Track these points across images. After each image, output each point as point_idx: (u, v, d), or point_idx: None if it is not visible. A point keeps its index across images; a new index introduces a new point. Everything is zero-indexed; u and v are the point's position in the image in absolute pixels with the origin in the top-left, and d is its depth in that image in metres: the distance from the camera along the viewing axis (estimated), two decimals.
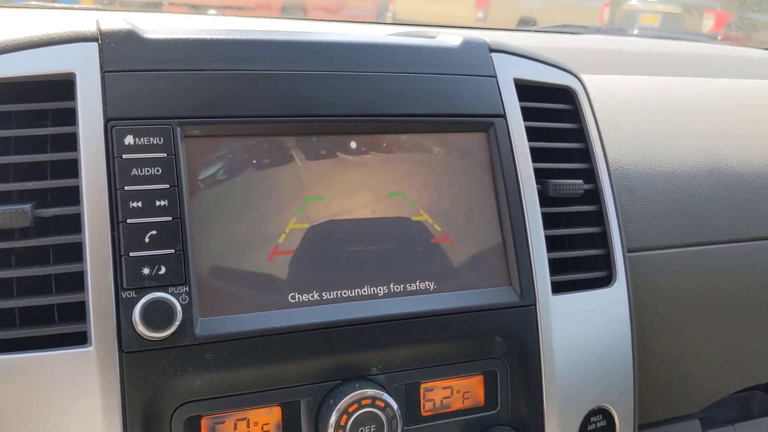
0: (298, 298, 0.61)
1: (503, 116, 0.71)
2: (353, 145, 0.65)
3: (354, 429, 0.60)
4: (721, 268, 0.90)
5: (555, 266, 0.71)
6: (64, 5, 1.25)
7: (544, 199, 0.72)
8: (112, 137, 0.58)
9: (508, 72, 0.73)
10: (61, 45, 0.59)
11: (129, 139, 0.58)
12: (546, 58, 0.78)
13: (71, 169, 0.58)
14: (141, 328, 0.55)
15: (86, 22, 0.61)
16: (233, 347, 0.58)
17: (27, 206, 0.55)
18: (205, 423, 0.59)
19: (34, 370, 0.54)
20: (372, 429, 0.61)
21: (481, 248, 0.68)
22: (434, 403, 0.66)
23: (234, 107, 0.61)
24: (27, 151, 0.58)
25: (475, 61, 0.72)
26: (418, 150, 0.68)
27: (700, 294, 0.89)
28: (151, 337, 0.56)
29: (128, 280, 0.56)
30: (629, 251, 0.81)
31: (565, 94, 0.78)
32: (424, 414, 0.66)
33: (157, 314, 0.55)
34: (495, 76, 0.72)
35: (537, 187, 0.71)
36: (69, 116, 0.58)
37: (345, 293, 0.63)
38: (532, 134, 0.73)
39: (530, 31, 1.62)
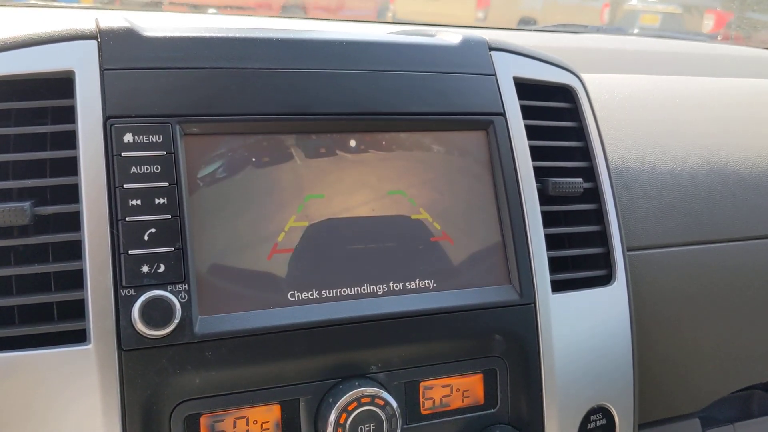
0: (298, 296, 0.61)
1: (503, 115, 0.71)
2: (353, 143, 0.65)
3: (353, 427, 0.60)
4: (722, 266, 0.90)
5: (555, 265, 0.71)
6: (63, 4, 1.25)
7: (544, 198, 0.72)
8: (112, 135, 0.58)
9: (507, 70, 0.73)
10: (60, 43, 0.59)
11: (128, 137, 0.58)
12: (546, 56, 0.78)
13: (70, 166, 0.58)
14: (140, 326, 0.55)
15: (85, 20, 0.61)
16: (232, 345, 0.58)
17: (26, 204, 0.55)
18: (204, 421, 0.59)
19: (33, 368, 0.54)
20: (371, 427, 0.61)
21: (480, 246, 0.68)
22: (434, 402, 0.66)
23: (233, 105, 0.61)
24: (26, 148, 0.58)
25: (474, 59, 0.72)
26: (417, 148, 0.68)
27: (700, 293, 0.89)
28: (150, 335, 0.56)
29: (127, 278, 0.56)
30: (629, 250, 0.81)
31: (564, 93, 0.78)
32: (423, 412, 0.66)
33: (157, 312, 0.55)
34: (494, 75, 0.72)
35: (537, 186, 0.71)
36: (68, 114, 0.58)
37: (344, 291, 0.63)
38: (531, 133, 0.73)
39: (530, 30, 1.62)
